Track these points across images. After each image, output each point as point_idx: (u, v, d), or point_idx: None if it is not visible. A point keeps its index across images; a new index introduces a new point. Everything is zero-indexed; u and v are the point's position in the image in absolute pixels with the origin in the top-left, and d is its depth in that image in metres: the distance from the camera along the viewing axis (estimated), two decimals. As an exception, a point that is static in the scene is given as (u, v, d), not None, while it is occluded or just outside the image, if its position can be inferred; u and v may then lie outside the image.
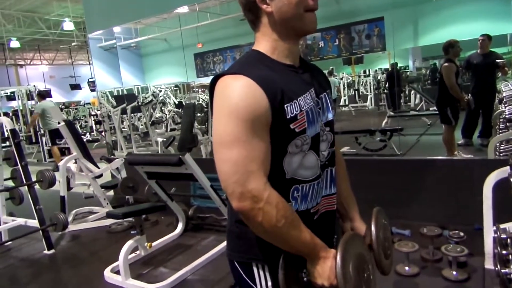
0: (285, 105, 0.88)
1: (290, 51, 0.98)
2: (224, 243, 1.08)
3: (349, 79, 13.16)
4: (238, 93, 0.85)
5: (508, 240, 1.88)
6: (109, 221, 3.93)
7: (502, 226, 1.96)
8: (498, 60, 4.83)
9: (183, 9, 5.70)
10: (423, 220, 2.92)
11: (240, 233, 0.98)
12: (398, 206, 3.10)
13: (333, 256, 0.88)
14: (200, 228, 3.63)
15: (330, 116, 1.03)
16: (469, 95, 4.64)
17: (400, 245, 2.45)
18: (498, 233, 1.89)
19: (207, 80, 10.27)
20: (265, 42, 0.97)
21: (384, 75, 10.77)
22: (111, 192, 4.78)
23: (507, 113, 3.55)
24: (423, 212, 3.07)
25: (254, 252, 0.96)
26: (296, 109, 0.90)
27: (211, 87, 0.92)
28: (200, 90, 12.26)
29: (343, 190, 1.16)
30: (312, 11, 0.95)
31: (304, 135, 0.92)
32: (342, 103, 11.61)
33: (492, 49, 4.96)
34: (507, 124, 3.38)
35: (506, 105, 3.87)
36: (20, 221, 3.77)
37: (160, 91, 11.05)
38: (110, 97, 10.79)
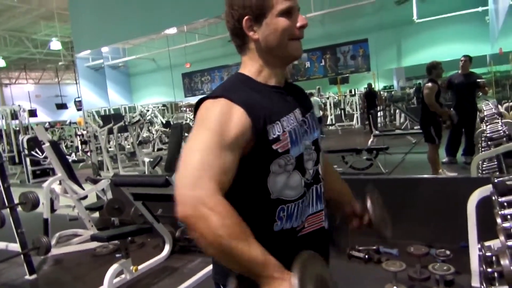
0: (267, 126, 0.90)
1: (276, 74, 1.00)
2: (211, 266, 1.06)
3: (335, 98, 13.36)
4: (217, 113, 0.87)
5: (493, 257, 1.90)
6: (94, 244, 3.83)
7: (487, 243, 1.98)
8: (478, 80, 4.99)
9: (172, 30, 5.76)
10: (410, 239, 2.93)
11: None
12: (385, 225, 3.11)
13: (287, 277, 0.75)
14: (187, 250, 3.57)
15: (315, 135, 1.05)
16: (452, 109, 4.75)
17: (388, 265, 2.45)
18: (483, 251, 1.91)
19: (194, 100, 10.31)
20: (250, 66, 0.99)
21: (361, 95, 11.16)
22: (96, 214, 4.70)
23: (488, 131, 3.64)
24: (410, 231, 3.08)
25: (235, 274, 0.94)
26: (279, 130, 0.91)
27: (195, 110, 0.93)
28: (187, 110, 12.29)
29: (337, 184, 1.24)
30: (298, 40, 0.98)
31: (287, 155, 0.93)
32: (329, 122, 11.74)
33: (472, 70, 5.12)
34: (489, 142, 3.46)
35: (487, 123, 3.97)
36: (1, 245, 3.66)
37: (148, 110, 11.04)
38: (96, 117, 10.72)
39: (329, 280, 0.83)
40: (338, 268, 2.29)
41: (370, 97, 9.39)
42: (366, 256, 2.88)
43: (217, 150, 0.82)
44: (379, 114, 10.09)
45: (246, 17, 0.94)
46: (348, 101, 13.26)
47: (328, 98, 12.75)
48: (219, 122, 0.85)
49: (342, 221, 1.22)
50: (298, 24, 0.96)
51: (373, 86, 9.76)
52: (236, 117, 0.86)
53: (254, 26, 0.95)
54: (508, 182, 1.81)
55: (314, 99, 11.17)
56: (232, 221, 0.76)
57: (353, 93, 12.99)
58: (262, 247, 0.78)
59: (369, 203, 1.14)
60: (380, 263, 2.67)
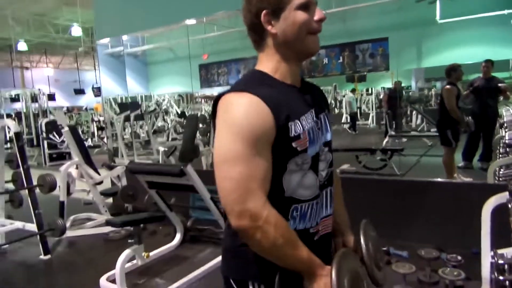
0: (289, 123, 0.90)
1: (292, 72, 1.00)
2: (220, 257, 1.08)
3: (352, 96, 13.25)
4: (243, 111, 0.86)
5: (506, 266, 1.88)
6: (107, 229, 3.92)
7: (499, 251, 1.97)
8: (500, 84, 4.90)
9: (191, 21, 5.78)
10: (421, 242, 2.92)
11: (237, 250, 0.98)
12: (396, 226, 3.10)
13: (328, 273, 0.87)
14: (198, 240, 3.63)
15: (328, 136, 1.05)
16: (469, 117, 4.67)
17: (397, 266, 2.45)
18: (496, 259, 1.90)
19: (210, 91, 10.34)
20: (268, 63, 0.99)
21: (383, 93, 10.46)
22: (110, 200, 4.79)
23: (507, 138, 3.58)
24: (421, 234, 3.07)
25: (251, 270, 0.96)
26: (299, 129, 0.92)
27: (214, 104, 0.94)
28: (203, 101, 12.34)
29: (337, 205, 1.16)
30: (315, 34, 0.98)
31: (305, 153, 0.93)
32: (343, 120, 11.66)
33: (494, 74, 5.02)
34: (507, 149, 3.40)
35: (506, 130, 3.90)
36: (18, 224, 3.77)
37: (164, 100, 11.13)
38: (113, 104, 10.86)
39: (362, 274, 0.96)
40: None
41: (395, 96, 8.69)
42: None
43: (255, 158, 0.85)
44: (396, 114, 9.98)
45: (265, 11, 0.94)
46: (365, 100, 13.12)
47: (344, 96, 12.64)
48: (248, 124, 0.85)
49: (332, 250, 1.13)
50: (316, 17, 0.96)
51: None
52: (262, 115, 0.87)
53: (272, 20, 0.94)
54: (525, 191, 1.79)
55: (349, 95, 11.09)
56: (284, 231, 0.87)
57: (369, 92, 12.85)
58: (308, 248, 0.90)
59: (362, 241, 1.06)
60: (390, 264, 2.67)
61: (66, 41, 15.86)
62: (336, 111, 12.81)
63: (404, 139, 7.62)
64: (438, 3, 7.78)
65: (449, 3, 7.73)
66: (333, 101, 12.98)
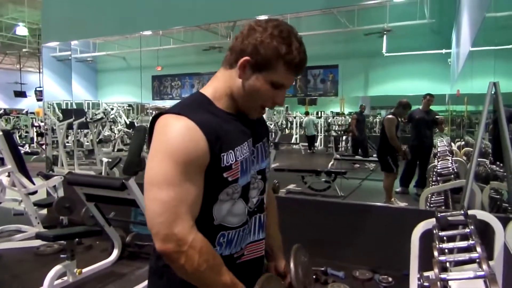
0: (221, 154, 0.90)
1: (235, 104, 0.99)
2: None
3: (302, 118, 13.65)
4: (177, 134, 0.86)
5: (431, 287, 2.00)
6: (38, 242, 3.65)
7: (426, 273, 2.09)
8: (437, 117, 5.30)
9: (147, 32, 5.70)
10: (357, 263, 3.04)
11: (162, 271, 0.97)
12: (336, 247, 3.19)
13: None
14: (137, 257, 3.49)
15: (263, 165, 1.06)
16: (406, 146, 5.00)
17: (333, 287, 2.52)
18: (422, 281, 2.01)
19: (162, 103, 10.17)
20: (218, 87, 0.98)
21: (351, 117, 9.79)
22: (45, 211, 4.49)
23: (439, 167, 3.85)
24: (358, 255, 3.19)
25: None
26: (232, 159, 0.92)
27: (151, 125, 0.93)
28: (154, 113, 12.08)
29: (270, 229, 1.16)
30: (264, 109, 1.01)
31: (235, 184, 0.94)
32: (293, 140, 11.94)
33: (432, 107, 5.43)
34: (438, 178, 3.66)
35: (439, 159, 4.20)
36: None
37: (112, 109, 10.75)
38: (57, 109, 10.30)
39: None
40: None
41: (362, 119, 8.65)
42: (314, 277, 2.94)
43: (186, 183, 0.85)
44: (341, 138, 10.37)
45: (247, 58, 0.92)
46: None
47: (295, 117, 12.98)
48: (182, 148, 0.85)
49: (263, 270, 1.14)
50: (277, 100, 0.98)
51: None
52: (197, 141, 0.87)
53: (247, 69, 0.93)
54: (450, 218, 1.93)
55: (310, 118, 11.42)
56: (209, 256, 0.88)
57: (319, 115, 13.30)
58: (232, 274, 0.92)
59: (292, 265, 1.07)
60: (326, 284, 2.74)
61: (10, 40, 14.95)
62: (287, 131, 13.11)
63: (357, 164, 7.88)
64: (384, 37, 8.33)
65: (395, 39, 8.32)
66: (284, 122, 13.26)
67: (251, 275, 1.01)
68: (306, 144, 11.43)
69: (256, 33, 0.92)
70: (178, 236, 0.83)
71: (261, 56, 0.91)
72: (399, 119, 4.74)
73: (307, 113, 12.34)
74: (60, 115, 9.12)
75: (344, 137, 10.45)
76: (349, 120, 11.82)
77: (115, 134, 10.10)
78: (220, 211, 0.94)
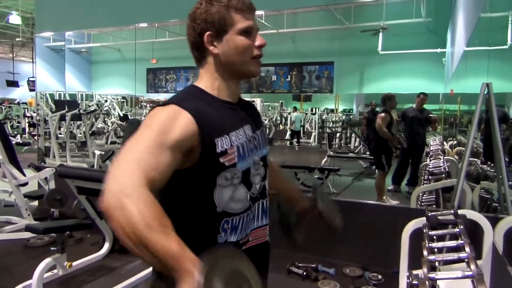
0: (215, 139, 0.92)
1: (230, 89, 1.03)
2: (150, 269, 1.05)
3: (290, 114, 13.66)
4: (163, 115, 0.88)
5: (419, 285, 2.02)
6: (28, 234, 3.63)
7: (415, 272, 2.11)
8: (430, 115, 5.32)
9: (142, 24, 5.65)
10: (348, 260, 3.06)
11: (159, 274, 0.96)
12: (327, 244, 3.21)
13: (199, 270, 0.69)
14: (128, 251, 3.47)
15: (264, 151, 1.09)
16: (401, 134, 5.01)
17: (323, 284, 2.54)
18: (411, 279, 2.03)
19: (157, 96, 10.11)
20: (206, 79, 1.02)
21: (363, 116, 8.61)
22: (36, 203, 4.46)
23: (430, 166, 3.88)
24: (349, 253, 3.21)
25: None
26: (227, 144, 0.94)
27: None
28: (148, 105, 12.02)
29: (284, 184, 1.33)
30: (258, 58, 1.02)
31: (234, 168, 0.95)
32: (287, 137, 11.94)
33: (425, 105, 5.46)
34: (430, 176, 3.68)
35: (431, 158, 4.23)
36: None
37: (106, 101, 10.67)
38: (50, 100, 10.20)
39: (251, 278, 0.77)
40: (276, 283, 2.34)
41: (373, 118, 7.76)
42: (305, 273, 2.95)
43: (155, 148, 0.81)
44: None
45: (208, 33, 0.98)
46: (309, 119, 13.57)
47: (289, 113, 12.99)
48: (163, 123, 0.86)
49: (297, 217, 1.31)
50: (257, 43, 1.01)
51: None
52: (182, 121, 0.87)
53: (215, 41, 0.99)
54: (440, 217, 1.95)
55: (297, 114, 11.49)
56: (151, 212, 0.71)
57: (313, 112, 13.31)
58: (182, 241, 0.72)
59: (317, 197, 1.27)
60: (317, 281, 2.75)
61: (2, 28, 14.75)
62: (281, 127, 13.11)
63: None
64: (380, 35, 8.33)
65: (390, 37, 8.33)
66: (278, 117, 13.27)
67: (257, 261, 0.98)
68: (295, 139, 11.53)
69: (196, 12, 0.99)
70: (121, 187, 0.72)
71: (215, 22, 0.97)
72: (392, 116, 4.75)
73: (295, 109, 12.52)
74: (53, 106, 9.03)
75: (338, 134, 10.47)
76: (343, 117, 11.88)
77: (109, 126, 10.03)
78: (222, 196, 0.95)
